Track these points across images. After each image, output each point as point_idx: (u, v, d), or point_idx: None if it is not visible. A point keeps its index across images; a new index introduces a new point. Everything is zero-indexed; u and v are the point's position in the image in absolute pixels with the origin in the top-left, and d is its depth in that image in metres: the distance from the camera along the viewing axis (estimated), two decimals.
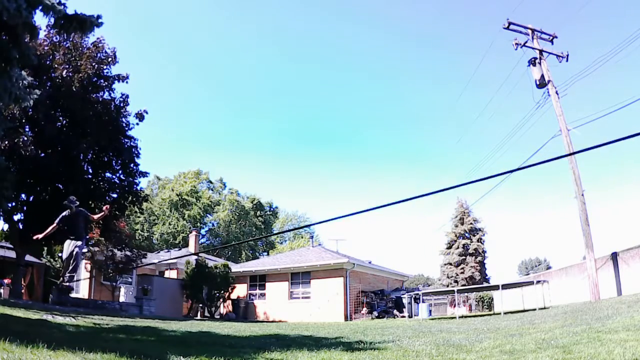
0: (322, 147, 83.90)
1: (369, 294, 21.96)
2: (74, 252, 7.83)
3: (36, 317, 7.70)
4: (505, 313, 13.82)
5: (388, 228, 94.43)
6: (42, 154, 15.97)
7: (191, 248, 30.79)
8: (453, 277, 36.49)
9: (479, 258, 36.75)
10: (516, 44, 15.59)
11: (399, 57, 68.61)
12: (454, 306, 22.09)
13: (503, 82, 63.16)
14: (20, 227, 16.55)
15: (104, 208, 7.98)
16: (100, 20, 8.03)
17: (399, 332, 8.40)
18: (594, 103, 48.26)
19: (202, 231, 49.00)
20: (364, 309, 20.74)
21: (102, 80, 17.51)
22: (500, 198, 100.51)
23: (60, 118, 16.89)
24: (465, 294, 25.46)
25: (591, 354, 3.65)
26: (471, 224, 37.91)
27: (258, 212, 53.67)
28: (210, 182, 54.02)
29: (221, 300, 22.13)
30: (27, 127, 15.82)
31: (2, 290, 16.64)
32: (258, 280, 23.62)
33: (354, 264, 21.28)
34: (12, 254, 17.75)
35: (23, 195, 16.61)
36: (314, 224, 13.00)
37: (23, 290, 17.63)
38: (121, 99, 18.06)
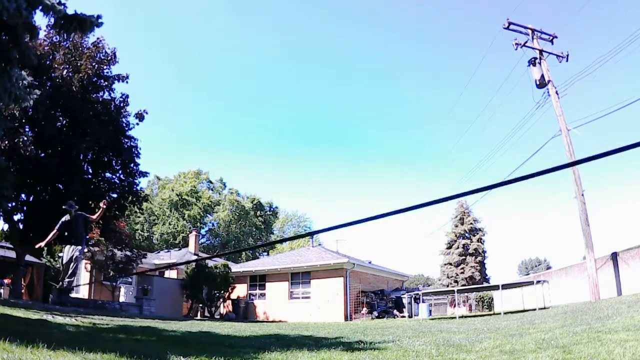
0: (322, 147, 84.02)
1: (369, 294, 21.96)
2: (74, 257, 7.88)
3: (36, 317, 7.69)
4: (505, 313, 13.80)
5: (388, 228, 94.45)
6: (42, 154, 15.96)
7: (191, 248, 30.77)
8: (453, 277, 36.53)
9: (479, 258, 36.80)
10: (516, 44, 15.60)
11: (399, 57, 68.69)
12: (454, 306, 22.07)
13: (503, 82, 63.08)
14: (20, 227, 16.54)
15: (101, 204, 8.02)
16: (100, 20, 8.03)
17: (399, 332, 8.39)
18: (594, 103, 48.28)
19: (202, 231, 49.00)
20: (364, 309, 20.73)
21: (102, 80, 17.51)
22: (500, 198, 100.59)
23: (60, 118, 16.88)
24: (465, 294, 25.46)
25: (591, 354, 3.65)
26: (471, 224, 37.95)
27: (258, 212, 53.67)
28: (210, 182, 54.03)
29: (221, 300, 22.14)
30: (27, 127, 15.80)
31: (2, 290, 16.61)
32: (258, 280, 23.62)
33: (354, 264, 21.28)
34: (12, 254, 17.74)
35: (23, 196, 16.59)
36: (316, 232, 12.94)
37: (23, 290, 17.62)
38: (121, 99, 18.07)
